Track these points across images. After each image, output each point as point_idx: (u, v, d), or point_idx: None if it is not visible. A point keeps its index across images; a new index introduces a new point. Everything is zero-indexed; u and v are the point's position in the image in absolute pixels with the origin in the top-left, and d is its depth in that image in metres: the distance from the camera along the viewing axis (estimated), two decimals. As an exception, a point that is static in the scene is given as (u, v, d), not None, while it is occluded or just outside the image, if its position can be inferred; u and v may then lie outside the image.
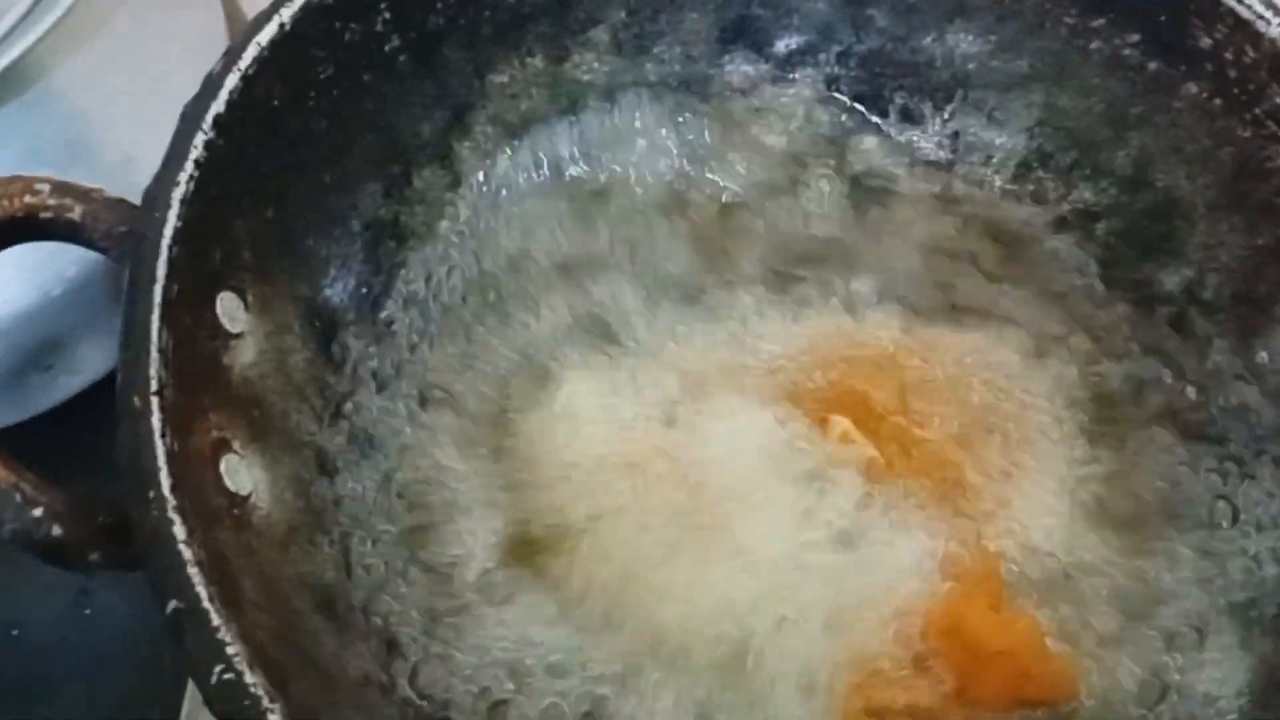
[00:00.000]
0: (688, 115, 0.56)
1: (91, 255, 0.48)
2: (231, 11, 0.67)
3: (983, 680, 0.43)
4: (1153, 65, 0.51)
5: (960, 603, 0.44)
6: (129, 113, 0.56)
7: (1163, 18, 0.50)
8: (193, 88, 0.57)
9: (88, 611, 0.59)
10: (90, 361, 0.58)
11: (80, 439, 0.56)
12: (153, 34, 0.58)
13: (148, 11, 0.58)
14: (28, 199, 0.39)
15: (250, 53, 0.43)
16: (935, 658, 0.43)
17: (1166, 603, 0.46)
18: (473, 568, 0.45)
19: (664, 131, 0.56)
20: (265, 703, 0.33)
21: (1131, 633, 0.45)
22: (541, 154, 0.55)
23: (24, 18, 0.50)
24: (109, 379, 0.56)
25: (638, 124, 0.55)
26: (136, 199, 0.51)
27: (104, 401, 0.55)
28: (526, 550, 0.45)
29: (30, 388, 0.57)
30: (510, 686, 0.43)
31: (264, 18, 0.44)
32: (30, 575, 0.59)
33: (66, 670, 0.57)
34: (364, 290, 0.50)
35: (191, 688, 0.53)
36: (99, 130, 0.55)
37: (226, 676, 0.33)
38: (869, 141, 0.57)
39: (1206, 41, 0.49)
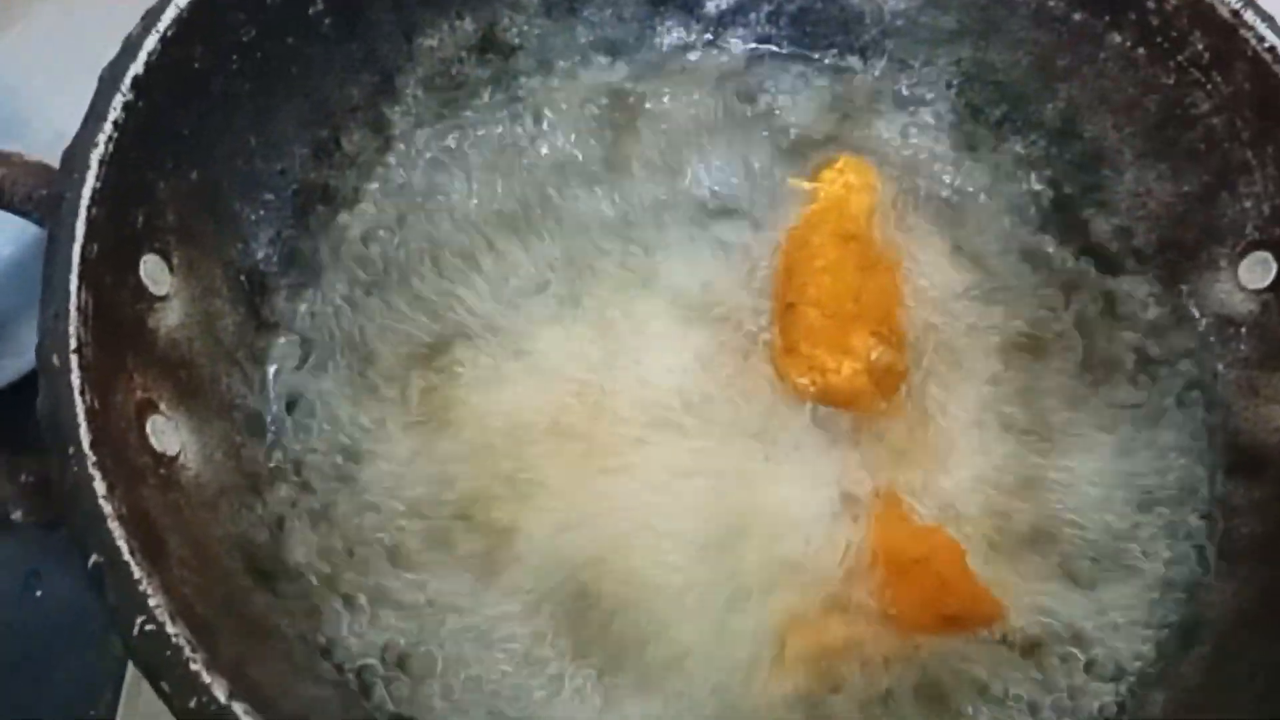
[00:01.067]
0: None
1: (29, 235, 0.48)
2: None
3: (902, 594, 0.43)
4: (1078, 16, 0.52)
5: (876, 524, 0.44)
6: (61, 90, 0.54)
7: (1086, -32, 0.50)
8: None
9: (38, 594, 0.58)
10: (33, 342, 0.57)
11: (29, 421, 0.57)
12: (84, 19, 0.57)
13: (78, -2, 0.57)
14: (-57, 163, 0.38)
15: (169, 14, 0.43)
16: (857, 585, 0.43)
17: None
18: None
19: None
20: (187, 652, 0.33)
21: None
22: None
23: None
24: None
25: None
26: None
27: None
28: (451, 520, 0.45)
29: (-30, 368, 0.56)
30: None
31: (182, -21, 0.43)
32: None
33: (16, 651, 0.57)
34: (292, 253, 0.50)
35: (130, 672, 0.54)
36: (30, 108, 0.54)
37: (149, 628, 0.33)
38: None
39: (1129, -10, 0.49)
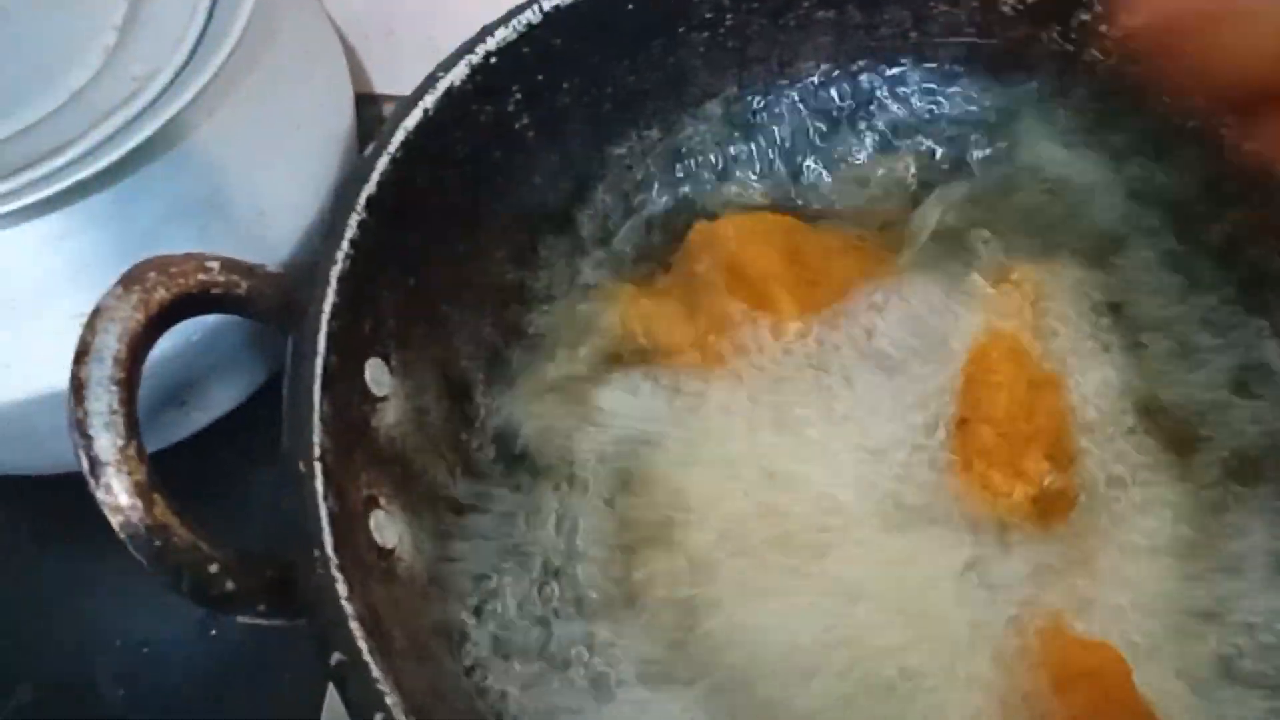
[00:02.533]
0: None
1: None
2: (356, 75, 0.71)
3: (1067, 708, 0.44)
4: (1248, 145, 0.52)
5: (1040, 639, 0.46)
6: (263, 168, 0.59)
7: (1259, 98, 0.51)
8: (321, 141, 0.61)
9: (213, 632, 0.61)
10: (221, 398, 0.62)
11: (209, 467, 0.61)
12: (284, 94, 0.61)
13: (280, 74, 0.61)
14: (200, 276, 0.42)
15: (398, 137, 0.46)
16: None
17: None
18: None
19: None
20: (418, 749, 0.36)
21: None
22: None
23: (171, 82, 0.53)
24: (234, 414, 0.61)
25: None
26: (269, 249, 0.55)
27: (228, 434, 0.61)
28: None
29: (165, 422, 0.60)
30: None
31: (409, 104, 0.47)
32: (158, 595, 0.60)
33: (192, 689, 0.60)
34: (491, 351, 0.53)
35: (326, 712, 0.57)
36: (236, 184, 0.57)
37: (385, 723, 0.36)
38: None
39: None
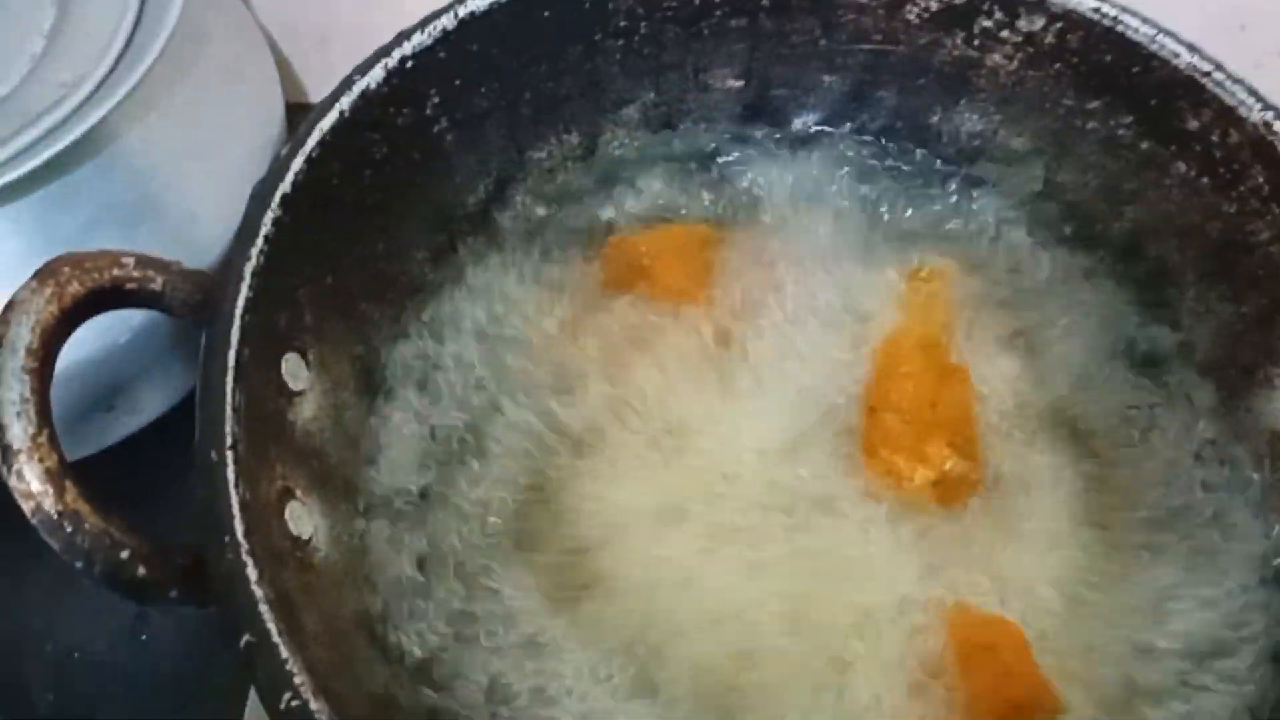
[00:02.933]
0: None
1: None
2: (291, 84, 0.72)
3: (969, 681, 0.46)
4: (1145, 145, 0.55)
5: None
6: (192, 173, 0.59)
7: (1154, 101, 0.54)
8: (252, 147, 0.62)
9: (144, 637, 0.62)
10: (149, 403, 0.62)
11: (138, 473, 0.60)
12: (213, 101, 0.62)
13: (209, 81, 0.62)
14: (114, 271, 0.43)
15: (314, 138, 0.47)
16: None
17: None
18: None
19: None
20: (328, 727, 0.37)
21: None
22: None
23: (98, 88, 0.54)
24: (164, 418, 0.61)
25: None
26: (199, 254, 0.56)
27: (159, 439, 0.61)
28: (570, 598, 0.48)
29: (93, 427, 0.60)
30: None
31: (325, 106, 0.48)
32: (88, 601, 0.62)
33: (123, 693, 0.60)
34: (411, 348, 0.54)
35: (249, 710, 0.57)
36: (165, 189, 0.58)
37: (294, 703, 0.37)
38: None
39: (1194, 124, 0.53)
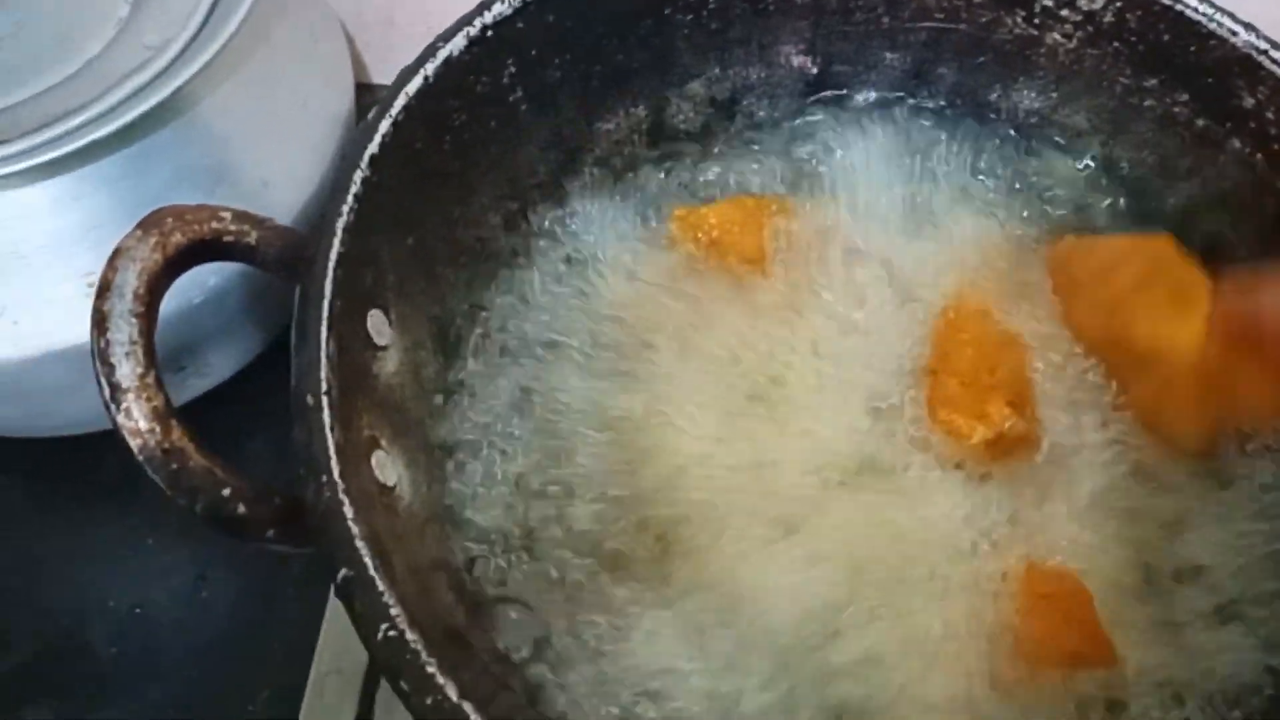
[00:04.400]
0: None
1: (230, 268, 0.54)
2: (354, 65, 0.73)
3: (1030, 624, 0.47)
4: (1200, 123, 0.56)
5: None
6: (265, 142, 0.61)
7: (1210, 79, 0.55)
8: (321, 118, 0.64)
9: (204, 595, 0.63)
10: (218, 364, 0.64)
11: (205, 433, 0.63)
12: (288, 74, 0.64)
13: (284, 54, 0.64)
14: (213, 224, 0.45)
15: (400, 101, 0.49)
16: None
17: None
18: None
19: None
20: (424, 656, 0.38)
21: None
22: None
23: (181, 54, 0.56)
24: (230, 382, 0.63)
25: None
26: (274, 216, 0.57)
27: (225, 401, 0.63)
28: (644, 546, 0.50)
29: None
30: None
31: (411, 70, 0.49)
32: (152, 558, 0.64)
33: (184, 649, 0.62)
34: (484, 311, 0.56)
35: (315, 670, 0.59)
36: (239, 156, 0.60)
37: (391, 634, 0.38)
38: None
39: (1250, 102, 0.54)
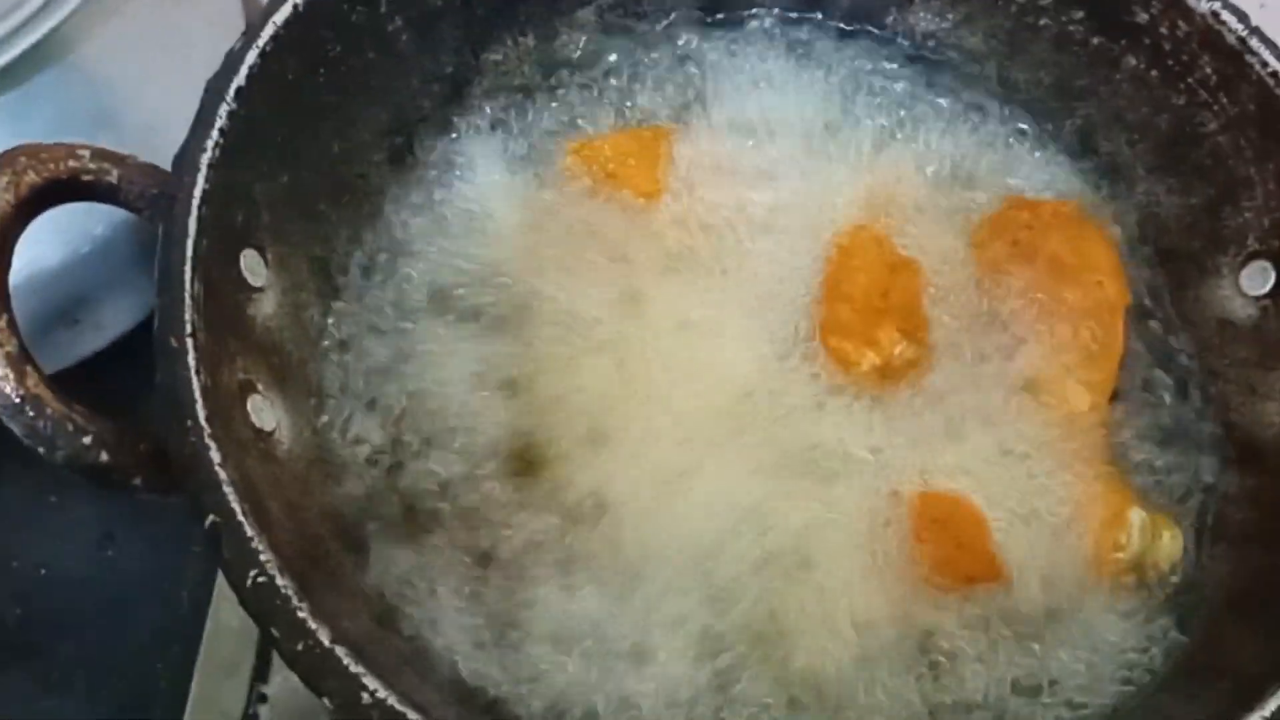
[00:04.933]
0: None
1: (118, 217, 0.52)
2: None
3: (925, 549, 0.48)
4: (1096, 40, 0.56)
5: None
6: (151, 83, 0.59)
7: (1104, -6, 0.54)
8: (210, 60, 0.61)
9: (110, 553, 0.63)
10: (114, 318, 0.62)
11: (103, 391, 0.61)
12: (173, 16, 0.62)
13: (169, -6, 0.61)
14: (70, 163, 0.43)
15: (267, 31, 0.47)
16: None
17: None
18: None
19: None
20: (294, 601, 0.37)
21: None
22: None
23: (56, -7, 0.53)
24: (129, 336, 0.61)
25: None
26: (161, 162, 0.55)
27: (124, 356, 0.61)
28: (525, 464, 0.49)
29: (57, 342, 0.60)
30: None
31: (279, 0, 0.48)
32: (56, 517, 0.63)
33: (91, 608, 0.61)
34: (364, 248, 0.54)
35: (210, 624, 0.58)
36: (123, 99, 0.58)
37: (260, 580, 0.37)
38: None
39: (1143, 17, 0.54)
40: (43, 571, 0.62)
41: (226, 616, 0.58)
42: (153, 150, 0.56)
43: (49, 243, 0.56)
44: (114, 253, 0.57)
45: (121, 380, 0.62)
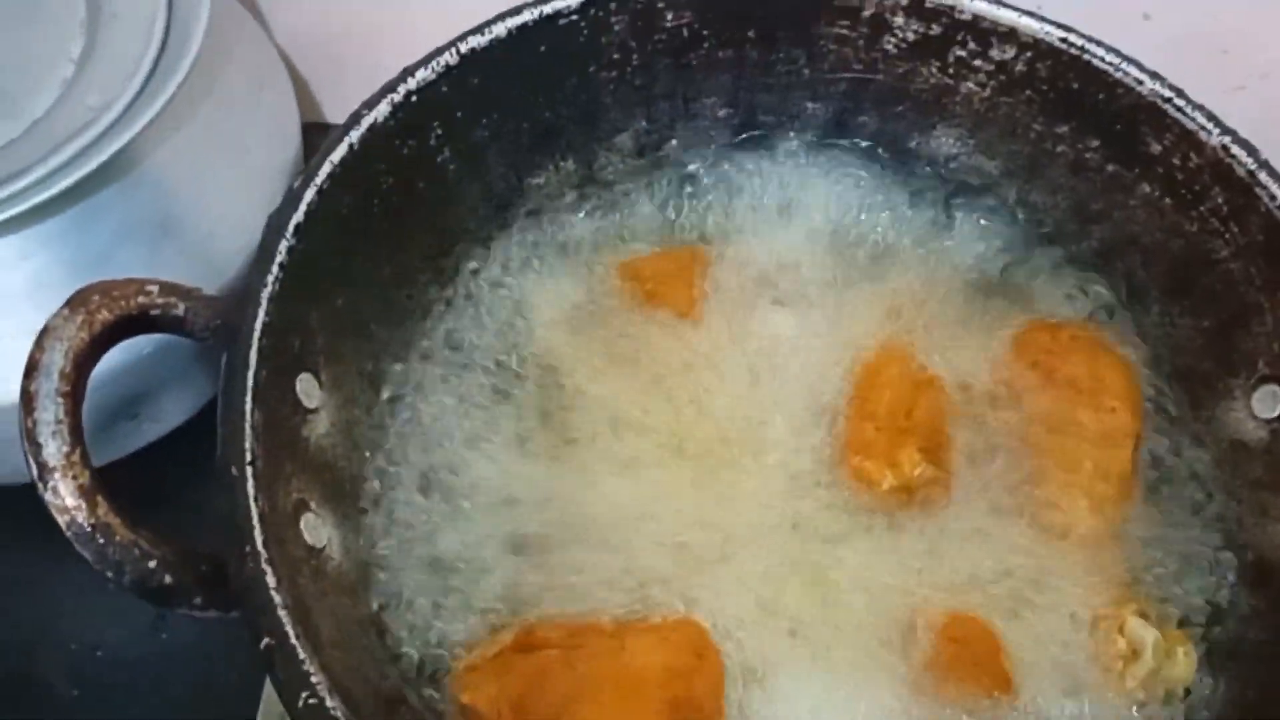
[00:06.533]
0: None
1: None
2: (306, 104, 0.75)
3: (943, 667, 0.49)
4: (1111, 168, 0.58)
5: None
6: (213, 193, 0.62)
7: (1119, 126, 0.56)
8: (268, 170, 0.65)
9: (164, 635, 0.65)
10: (172, 411, 0.65)
11: (161, 477, 0.64)
12: (234, 122, 0.65)
13: (230, 103, 0.65)
14: (140, 299, 0.46)
15: (325, 169, 0.50)
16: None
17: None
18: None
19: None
20: (343, 722, 0.40)
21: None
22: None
23: (125, 111, 0.57)
24: (186, 427, 0.65)
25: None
26: (218, 269, 0.58)
27: (181, 446, 0.64)
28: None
29: (118, 434, 0.64)
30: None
31: (335, 139, 0.50)
32: (110, 600, 0.62)
33: (144, 690, 0.63)
34: (419, 365, 0.57)
35: (262, 709, 0.60)
36: (186, 209, 0.61)
37: (312, 701, 0.40)
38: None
39: (1157, 148, 0.56)
40: (98, 653, 0.64)
41: (276, 703, 0.60)
42: (213, 256, 0.61)
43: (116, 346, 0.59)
44: (174, 355, 0.60)
45: (178, 464, 0.66)
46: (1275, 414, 0.53)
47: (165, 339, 0.57)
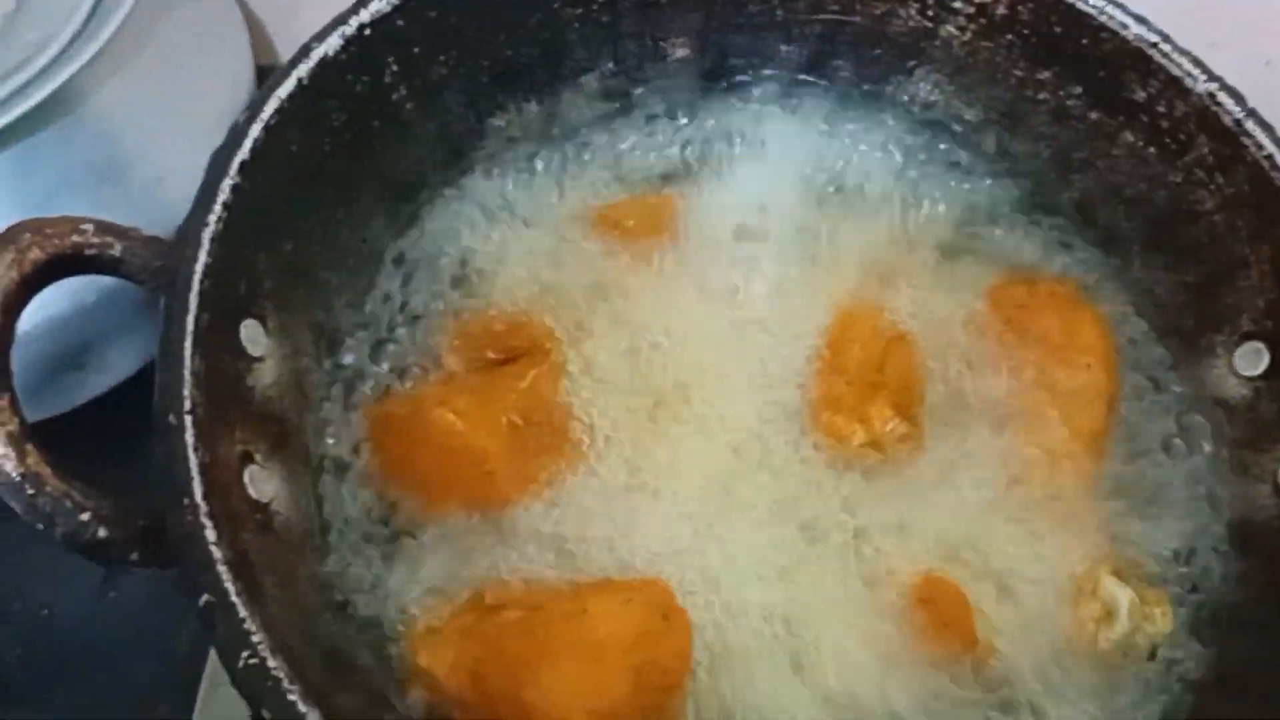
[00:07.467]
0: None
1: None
2: (264, 48, 0.72)
3: (912, 622, 0.48)
4: (1094, 115, 0.56)
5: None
6: (159, 136, 0.60)
7: (1102, 72, 0.55)
8: (218, 113, 0.62)
9: (113, 595, 0.63)
10: (119, 362, 0.63)
11: (109, 432, 0.61)
12: (182, 64, 0.63)
13: (177, 43, 0.62)
14: (74, 238, 0.43)
15: (271, 105, 0.47)
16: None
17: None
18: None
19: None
20: (286, 684, 0.38)
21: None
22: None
23: (65, 49, 0.54)
24: (135, 378, 0.62)
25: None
26: (166, 217, 0.55)
27: (130, 398, 0.62)
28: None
29: (65, 385, 0.61)
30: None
31: (283, 74, 0.48)
32: (60, 560, 0.61)
33: (92, 649, 0.62)
34: (370, 312, 0.55)
35: (209, 667, 0.59)
36: (131, 152, 0.59)
37: (252, 661, 0.38)
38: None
39: (1141, 95, 0.54)
40: (44, 613, 0.63)
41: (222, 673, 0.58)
42: (159, 202, 0.58)
43: (57, 292, 0.56)
44: (120, 300, 0.57)
45: (126, 418, 0.63)
46: (1258, 371, 0.52)
47: (110, 287, 0.56)
